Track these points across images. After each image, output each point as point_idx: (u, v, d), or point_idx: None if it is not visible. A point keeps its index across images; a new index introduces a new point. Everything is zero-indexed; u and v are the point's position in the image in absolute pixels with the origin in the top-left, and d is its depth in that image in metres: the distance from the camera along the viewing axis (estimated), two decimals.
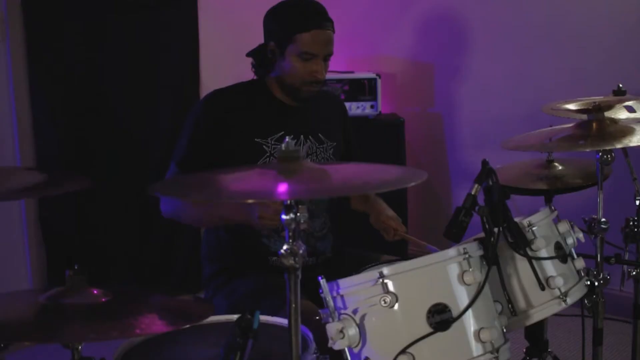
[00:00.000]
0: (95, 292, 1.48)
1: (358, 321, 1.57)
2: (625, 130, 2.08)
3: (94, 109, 3.62)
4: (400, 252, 3.89)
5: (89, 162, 3.60)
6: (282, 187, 1.46)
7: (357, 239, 2.65)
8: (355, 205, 2.56)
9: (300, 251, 1.42)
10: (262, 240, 2.29)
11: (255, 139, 2.28)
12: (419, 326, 1.56)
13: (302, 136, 2.35)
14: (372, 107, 3.96)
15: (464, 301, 1.61)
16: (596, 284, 2.06)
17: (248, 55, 2.38)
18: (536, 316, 1.85)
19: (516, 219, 1.80)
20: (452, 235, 1.78)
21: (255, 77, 2.40)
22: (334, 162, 2.39)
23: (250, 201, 1.89)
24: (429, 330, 1.56)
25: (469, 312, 1.60)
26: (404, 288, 1.58)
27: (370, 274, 1.59)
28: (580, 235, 2.02)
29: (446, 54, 4.15)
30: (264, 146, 2.28)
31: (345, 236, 2.56)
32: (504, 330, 1.70)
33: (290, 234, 1.42)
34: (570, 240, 1.98)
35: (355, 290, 1.60)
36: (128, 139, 3.74)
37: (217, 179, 1.64)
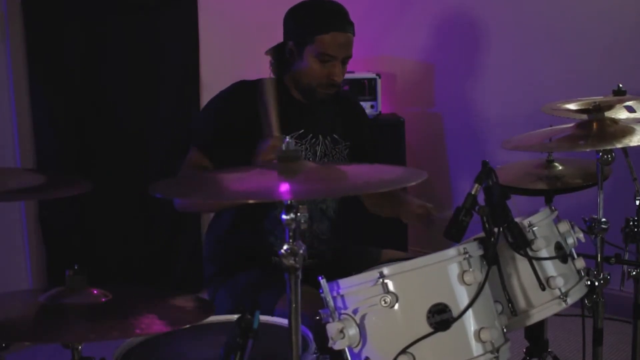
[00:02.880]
0: (95, 292, 1.48)
1: (358, 321, 1.57)
2: (625, 130, 2.08)
3: (94, 109, 3.62)
4: (401, 246, 3.90)
5: (89, 162, 3.60)
6: (284, 187, 1.45)
7: (359, 235, 2.65)
8: (387, 213, 2.43)
9: (301, 251, 1.42)
10: (269, 239, 2.28)
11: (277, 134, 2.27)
12: (419, 326, 1.56)
13: (320, 136, 2.34)
14: (372, 107, 3.97)
15: (464, 301, 1.60)
16: (596, 284, 2.06)
17: (267, 53, 2.37)
18: (536, 316, 1.85)
19: (516, 219, 1.80)
20: (452, 235, 1.78)
21: (271, 76, 2.37)
22: (341, 162, 2.38)
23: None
24: (429, 330, 1.56)
25: (469, 312, 1.60)
26: (404, 288, 1.58)
27: (371, 274, 1.59)
28: (581, 235, 2.02)
29: (446, 54, 4.15)
30: None
31: (347, 233, 2.55)
32: (504, 330, 1.70)
33: (291, 234, 1.43)
34: (570, 240, 1.98)
35: (355, 290, 1.60)
36: (128, 139, 3.74)
37: (218, 179, 1.64)
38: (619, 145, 2.03)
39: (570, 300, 1.86)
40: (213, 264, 2.39)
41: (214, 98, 2.36)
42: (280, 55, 2.32)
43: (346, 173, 1.65)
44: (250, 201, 1.74)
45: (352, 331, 1.56)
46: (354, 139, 2.45)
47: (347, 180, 1.59)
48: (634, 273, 2.31)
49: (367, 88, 3.97)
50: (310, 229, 2.30)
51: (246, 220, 2.31)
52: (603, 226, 2.10)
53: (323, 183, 1.51)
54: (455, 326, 1.58)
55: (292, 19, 2.31)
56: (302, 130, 2.31)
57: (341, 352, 1.59)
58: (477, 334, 1.59)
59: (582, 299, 1.99)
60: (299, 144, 2.30)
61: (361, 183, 1.58)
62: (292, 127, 2.29)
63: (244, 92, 2.30)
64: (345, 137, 2.42)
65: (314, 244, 2.31)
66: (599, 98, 2.23)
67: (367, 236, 2.59)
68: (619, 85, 2.46)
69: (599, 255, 2.12)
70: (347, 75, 3.90)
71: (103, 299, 1.47)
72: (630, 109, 2.28)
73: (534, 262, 1.81)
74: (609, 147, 2.04)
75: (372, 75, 3.99)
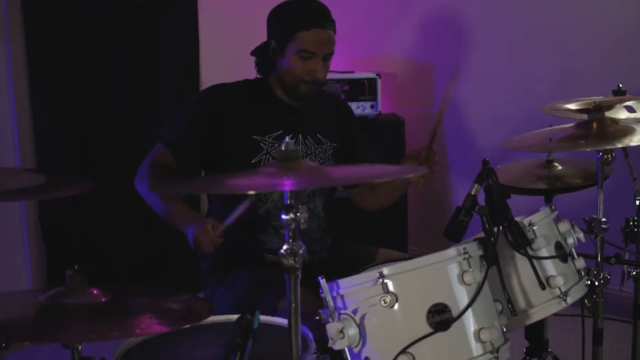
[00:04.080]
0: (95, 292, 1.48)
1: (358, 321, 1.57)
2: (625, 130, 2.08)
3: (94, 109, 3.62)
4: (401, 246, 3.90)
5: (89, 162, 3.61)
6: (284, 180, 1.45)
7: (356, 234, 2.65)
8: (384, 200, 2.52)
9: (300, 251, 1.42)
10: (259, 236, 2.29)
11: (253, 136, 2.29)
12: (419, 326, 1.56)
13: (300, 136, 2.35)
14: (372, 107, 3.97)
15: (464, 301, 1.60)
16: (596, 283, 2.06)
17: (252, 53, 2.39)
18: (536, 316, 1.85)
19: (516, 219, 1.80)
20: (452, 235, 1.78)
21: (259, 76, 2.40)
22: (332, 164, 2.40)
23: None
24: (429, 330, 1.56)
25: (469, 312, 1.60)
26: (404, 288, 1.58)
27: (370, 274, 1.59)
28: (581, 235, 2.02)
29: (446, 54, 4.15)
30: (261, 144, 2.29)
31: (344, 231, 2.55)
32: (504, 330, 1.70)
33: (290, 234, 1.43)
34: (570, 240, 1.98)
35: (355, 290, 1.60)
36: (128, 139, 3.73)
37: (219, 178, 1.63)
38: (619, 145, 2.03)
39: (570, 300, 1.86)
40: (208, 260, 2.38)
41: (188, 100, 2.39)
42: (264, 55, 2.34)
43: (344, 171, 1.65)
44: (251, 192, 1.75)
45: (352, 331, 1.56)
46: (340, 140, 2.45)
47: (345, 173, 1.59)
48: (634, 273, 2.31)
49: (367, 88, 3.97)
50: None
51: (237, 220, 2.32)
52: (603, 226, 2.10)
53: (319, 175, 1.50)
54: (455, 326, 1.58)
55: (274, 17, 2.34)
56: (281, 131, 2.31)
57: (341, 352, 1.59)
58: (477, 334, 1.59)
59: (582, 299, 1.99)
60: (276, 145, 2.30)
61: (358, 174, 1.59)
62: (270, 129, 2.31)
63: (218, 96, 2.33)
64: (330, 138, 2.42)
65: (306, 241, 2.31)
66: (599, 98, 2.23)
67: (367, 237, 2.59)
68: (619, 85, 2.45)
69: (599, 255, 2.12)
70: (347, 75, 3.97)
71: (103, 299, 1.47)
72: (630, 109, 2.28)
73: (534, 261, 1.81)
74: (609, 147, 2.04)
75: (372, 75, 3.99)
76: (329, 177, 1.60)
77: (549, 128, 2.20)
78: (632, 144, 2.00)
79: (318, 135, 2.40)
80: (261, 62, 2.37)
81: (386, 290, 1.56)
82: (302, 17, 2.26)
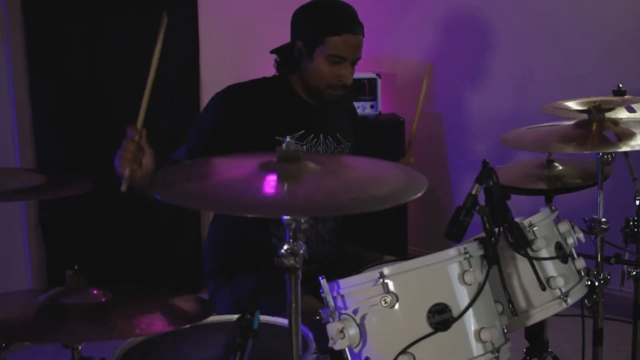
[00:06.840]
0: (95, 292, 1.48)
1: (358, 321, 1.57)
2: (625, 133, 2.07)
3: (94, 109, 3.62)
4: (401, 246, 3.90)
5: (89, 162, 3.60)
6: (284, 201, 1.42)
7: (355, 234, 2.65)
8: None
9: (301, 251, 1.41)
10: (272, 240, 2.28)
11: (276, 137, 2.26)
12: (420, 326, 1.56)
13: (321, 135, 2.33)
14: (372, 107, 3.97)
15: (465, 301, 1.60)
16: (596, 284, 2.06)
17: (273, 51, 2.35)
18: (537, 316, 1.85)
19: (517, 219, 1.80)
20: (453, 235, 1.78)
21: (276, 74, 2.37)
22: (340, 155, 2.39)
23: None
24: (430, 330, 1.56)
25: (470, 312, 1.60)
26: (404, 288, 1.57)
27: (371, 274, 1.59)
28: (581, 235, 2.02)
29: (446, 54, 4.15)
30: None
31: (346, 236, 2.56)
32: (505, 330, 1.70)
33: (291, 234, 1.42)
34: (570, 241, 1.98)
35: (355, 290, 1.59)
36: None
37: (215, 182, 1.61)
38: (618, 150, 2.02)
39: (570, 301, 1.86)
40: (213, 262, 2.38)
41: (206, 105, 2.34)
42: (287, 55, 2.31)
43: (347, 179, 1.61)
44: (250, 215, 1.71)
45: (352, 331, 1.56)
46: (353, 140, 2.46)
47: (348, 192, 1.54)
48: (634, 273, 2.31)
49: (367, 88, 3.97)
50: (315, 230, 2.30)
51: (251, 220, 2.30)
52: (603, 226, 2.10)
53: (323, 195, 1.46)
54: (455, 326, 1.57)
55: (301, 19, 2.30)
56: (303, 131, 2.30)
57: (341, 352, 1.59)
58: (478, 334, 1.59)
59: (582, 299, 1.99)
60: (300, 145, 2.28)
61: (364, 197, 1.52)
62: (294, 128, 2.28)
63: (233, 98, 2.28)
64: (347, 137, 2.42)
65: (318, 245, 2.31)
66: (599, 98, 2.23)
67: (367, 237, 2.59)
68: (619, 85, 2.46)
69: (599, 255, 2.12)
70: None
71: (103, 299, 1.47)
72: (630, 109, 2.28)
73: (535, 262, 1.81)
74: (609, 150, 2.03)
75: (372, 75, 3.99)
76: (332, 203, 1.51)
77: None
78: (626, 148, 1.98)
79: (338, 135, 2.39)
80: (283, 61, 2.33)
81: (387, 290, 1.56)
82: (333, 22, 2.23)
